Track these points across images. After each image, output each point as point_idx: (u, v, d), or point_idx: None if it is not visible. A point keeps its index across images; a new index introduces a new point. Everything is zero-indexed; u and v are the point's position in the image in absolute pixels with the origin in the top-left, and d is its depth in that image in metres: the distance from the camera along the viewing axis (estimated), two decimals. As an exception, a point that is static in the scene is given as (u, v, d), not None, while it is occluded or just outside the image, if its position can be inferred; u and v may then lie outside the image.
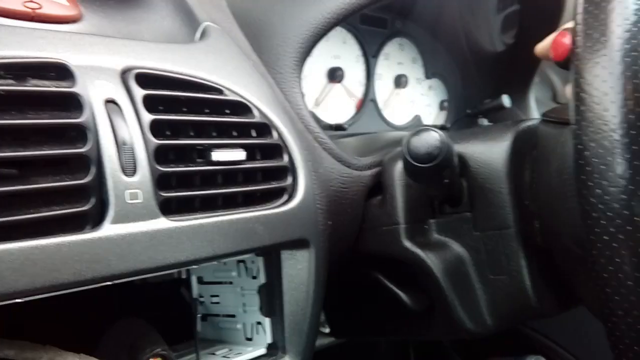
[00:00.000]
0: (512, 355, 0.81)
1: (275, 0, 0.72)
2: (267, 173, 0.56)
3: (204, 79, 0.53)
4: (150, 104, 0.47)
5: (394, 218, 0.66)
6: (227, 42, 0.62)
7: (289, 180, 0.57)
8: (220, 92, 0.54)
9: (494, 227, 0.64)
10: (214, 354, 0.59)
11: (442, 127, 1.03)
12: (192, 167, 0.50)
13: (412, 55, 1.02)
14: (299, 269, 0.57)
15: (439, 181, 0.61)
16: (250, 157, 0.54)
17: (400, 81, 0.98)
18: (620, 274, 0.40)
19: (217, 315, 0.63)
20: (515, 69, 1.01)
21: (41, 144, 0.41)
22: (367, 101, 0.94)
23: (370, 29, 0.93)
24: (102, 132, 0.44)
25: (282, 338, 0.57)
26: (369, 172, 0.69)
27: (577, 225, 0.43)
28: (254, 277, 0.59)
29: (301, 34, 0.68)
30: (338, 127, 0.87)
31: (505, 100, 0.91)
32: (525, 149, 0.64)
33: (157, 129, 0.47)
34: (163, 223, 0.46)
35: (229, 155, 0.52)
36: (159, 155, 0.47)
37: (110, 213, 0.43)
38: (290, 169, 0.57)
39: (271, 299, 0.58)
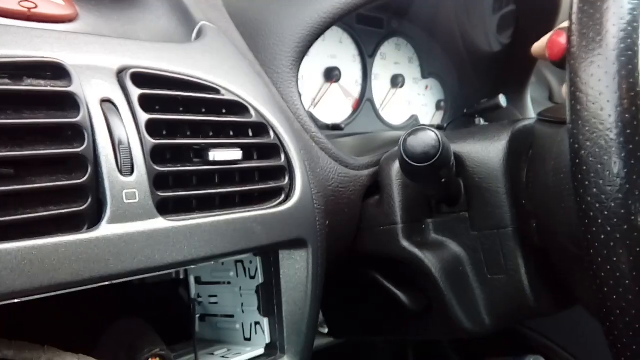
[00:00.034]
0: (511, 355, 0.81)
1: (271, -1, 0.72)
2: (264, 173, 0.56)
3: (201, 79, 0.53)
4: (147, 103, 0.47)
5: (392, 218, 0.66)
6: (224, 41, 0.62)
7: (286, 180, 0.57)
8: (216, 91, 0.54)
9: (491, 227, 0.64)
10: (212, 354, 0.59)
11: (438, 127, 1.03)
12: (189, 166, 0.50)
13: (409, 55, 1.02)
14: (297, 269, 0.57)
15: (436, 181, 0.61)
16: (247, 157, 0.54)
17: (397, 81, 0.98)
18: (617, 273, 0.40)
19: (216, 315, 0.63)
20: (512, 68, 1.01)
21: (37, 144, 0.41)
22: (364, 101, 0.94)
23: (367, 29, 0.94)
24: (98, 132, 0.43)
25: (281, 338, 0.57)
26: (366, 172, 0.70)
27: (574, 225, 0.43)
28: (252, 277, 0.59)
29: (297, 33, 0.68)
30: (335, 127, 0.87)
31: (502, 100, 0.92)
32: (522, 148, 0.64)
33: (153, 128, 0.47)
34: (160, 223, 0.46)
35: (226, 155, 0.51)
36: (156, 155, 0.46)
37: (108, 213, 0.43)
38: (287, 169, 0.57)
39: (269, 299, 0.58)
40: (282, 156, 0.57)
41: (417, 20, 1.00)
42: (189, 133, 0.51)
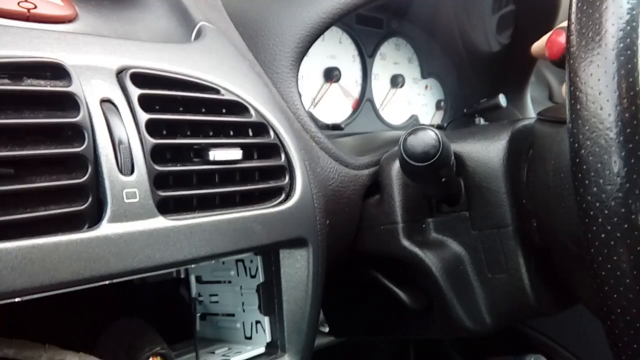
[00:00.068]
0: (512, 354, 0.81)
1: (270, 0, 0.72)
2: (264, 172, 0.56)
3: (200, 79, 0.53)
4: (146, 103, 0.47)
5: (392, 217, 0.66)
6: (223, 42, 0.62)
7: (286, 179, 0.57)
8: (216, 91, 0.54)
9: (491, 226, 0.64)
10: (213, 352, 0.59)
11: (438, 127, 1.03)
12: (189, 166, 0.50)
13: (408, 55, 1.02)
14: (297, 268, 0.57)
15: (436, 180, 0.61)
16: (247, 157, 0.54)
17: (396, 81, 0.98)
18: (618, 272, 0.40)
19: (216, 314, 0.63)
20: (511, 68, 1.01)
21: (38, 144, 0.41)
22: (364, 101, 0.94)
23: (366, 29, 0.94)
24: (98, 132, 0.44)
25: (281, 337, 0.57)
26: (366, 172, 0.70)
27: (574, 224, 0.43)
28: (253, 276, 0.59)
29: (297, 33, 0.68)
30: (335, 127, 0.87)
31: (502, 99, 0.92)
32: (522, 148, 0.65)
33: (153, 128, 0.47)
34: (161, 222, 0.46)
35: (226, 154, 0.52)
36: (156, 155, 0.47)
37: (108, 212, 0.43)
38: (288, 169, 0.57)
39: (270, 298, 0.58)
40: (282, 156, 0.57)
41: (416, 20, 1.00)
42: (189, 133, 0.51)
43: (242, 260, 0.60)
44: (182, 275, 0.59)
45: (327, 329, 0.83)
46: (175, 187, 0.48)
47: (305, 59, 0.70)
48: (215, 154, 0.51)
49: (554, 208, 0.57)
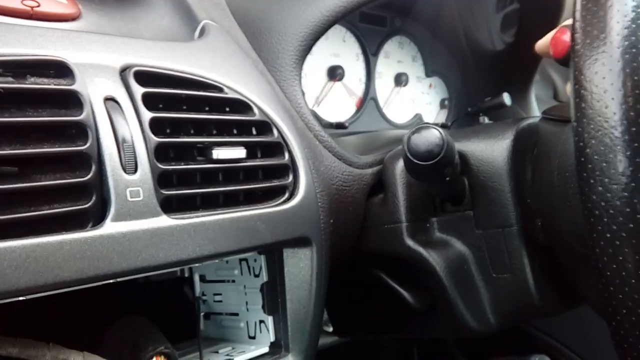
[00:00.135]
0: (516, 354, 0.81)
1: (274, -2, 0.72)
2: (268, 171, 0.56)
3: (204, 77, 0.53)
4: (150, 101, 0.47)
5: (396, 216, 0.66)
6: (227, 40, 0.62)
7: (290, 178, 0.57)
8: (220, 90, 0.54)
9: (495, 225, 0.64)
10: (217, 352, 0.59)
11: (442, 125, 1.03)
12: (193, 165, 0.50)
13: (412, 54, 1.02)
14: (301, 267, 0.57)
15: (440, 179, 0.61)
16: (251, 155, 0.54)
17: (400, 79, 0.98)
18: (623, 272, 0.39)
19: (220, 313, 0.63)
20: (516, 67, 1.01)
21: (41, 142, 0.41)
22: (368, 99, 0.94)
23: (370, 27, 0.93)
24: (102, 130, 0.44)
25: (285, 336, 0.57)
26: (370, 171, 0.69)
27: (579, 223, 0.43)
28: (257, 276, 0.59)
29: (300, 32, 0.68)
30: (339, 126, 0.87)
31: (506, 98, 0.91)
32: (526, 147, 0.64)
33: (157, 126, 0.47)
34: (164, 221, 0.46)
35: (230, 153, 0.51)
36: (160, 153, 0.47)
37: (112, 211, 0.43)
38: (291, 167, 0.57)
39: (274, 297, 0.58)
40: (286, 154, 0.57)
41: (420, 18, 1.00)
42: (192, 131, 0.51)
43: (245, 260, 0.60)
44: (186, 274, 0.59)
45: (330, 329, 0.83)
46: (179, 186, 0.48)
47: (309, 57, 0.70)
48: (219, 153, 0.51)
49: (559, 207, 0.56)
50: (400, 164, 0.66)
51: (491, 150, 0.64)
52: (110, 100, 0.45)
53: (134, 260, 0.44)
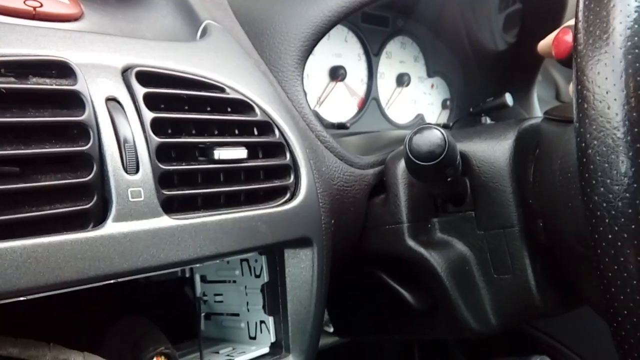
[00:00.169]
0: (517, 354, 0.81)
1: (276, -2, 0.72)
2: (269, 171, 0.56)
3: (206, 77, 0.53)
4: (152, 101, 0.47)
5: (397, 217, 0.66)
6: (229, 40, 0.62)
7: (291, 178, 0.57)
8: (221, 90, 0.54)
9: (497, 226, 0.64)
10: (217, 352, 0.59)
11: (444, 126, 1.03)
12: (194, 165, 0.50)
13: (414, 54, 1.02)
14: (302, 268, 0.57)
15: (442, 179, 0.60)
16: (252, 156, 0.54)
17: (402, 80, 0.98)
18: (624, 273, 0.39)
19: (221, 314, 0.63)
20: (518, 67, 1.00)
21: (43, 142, 0.41)
22: (370, 100, 0.94)
23: (372, 27, 0.93)
24: (103, 130, 0.44)
25: (286, 337, 0.57)
26: (371, 171, 0.69)
27: (581, 224, 0.43)
28: (257, 276, 0.59)
29: (302, 32, 0.68)
30: (340, 126, 0.87)
31: (508, 98, 0.91)
32: (529, 147, 0.64)
33: (158, 127, 0.47)
34: (165, 221, 0.46)
35: (231, 153, 0.51)
36: (161, 153, 0.47)
37: (113, 211, 0.43)
38: (293, 168, 0.57)
39: (275, 298, 0.58)
40: (288, 155, 0.57)
41: (422, 18, 1.00)
42: (194, 131, 0.51)
43: (246, 260, 0.60)
44: (187, 275, 0.59)
45: (331, 329, 0.83)
46: (180, 186, 0.48)
47: (311, 57, 0.70)
48: (220, 153, 0.51)
49: (561, 208, 0.56)
50: (401, 165, 0.66)
51: (493, 150, 0.64)
52: (111, 100, 0.45)
53: (135, 260, 0.44)
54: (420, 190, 0.66)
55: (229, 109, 0.54)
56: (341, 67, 0.88)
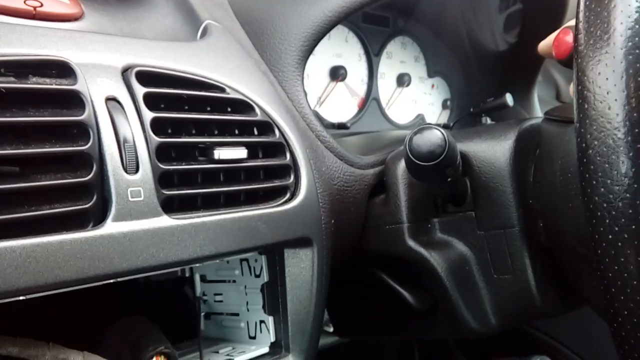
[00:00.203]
0: (517, 355, 0.81)
1: (276, -2, 0.72)
2: (269, 171, 0.56)
3: (206, 77, 0.53)
4: (152, 101, 0.47)
5: (397, 217, 0.66)
6: (229, 40, 0.62)
7: (291, 178, 0.57)
8: (222, 90, 0.54)
9: (497, 226, 0.64)
10: (217, 352, 0.59)
11: (445, 126, 1.03)
12: (194, 165, 0.50)
13: (415, 54, 1.02)
14: (302, 268, 0.57)
15: (442, 180, 0.60)
16: (252, 156, 0.54)
17: (402, 80, 0.98)
18: (625, 274, 0.39)
19: (221, 313, 0.63)
20: (518, 67, 1.00)
21: (43, 142, 0.41)
22: (370, 100, 0.94)
23: (373, 28, 0.93)
24: (103, 130, 0.44)
25: (286, 337, 0.57)
26: (371, 171, 0.69)
27: (581, 224, 0.43)
28: (257, 276, 0.59)
29: (303, 32, 0.68)
30: (340, 126, 0.87)
31: (509, 98, 0.91)
32: (529, 147, 0.64)
33: (158, 126, 0.47)
34: (165, 221, 0.46)
35: (231, 153, 0.51)
36: (161, 153, 0.46)
37: (112, 211, 0.43)
38: (293, 168, 0.57)
39: (274, 298, 0.58)
40: (288, 155, 0.57)
41: (423, 18, 1.00)
42: (194, 131, 0.51)
43: (246, 260, 0.60)
44: (187, 274, 0.59)
45: (331, 329, 0.83)
46: (180, 186, 0.48)
47: (311, 57, 0.70)
48: (220, 153, 0.51)
49: (561, 208, 0.56)
50: (402, 165, 0.66)
51: (493, 151, 0.64)
52: (111, 100, 0.45)
53: (135, 260, 0.44)
54: (421, 191, 0.66)
55: (229, 109, 0.54)
56: (341, 67, 0.88)
